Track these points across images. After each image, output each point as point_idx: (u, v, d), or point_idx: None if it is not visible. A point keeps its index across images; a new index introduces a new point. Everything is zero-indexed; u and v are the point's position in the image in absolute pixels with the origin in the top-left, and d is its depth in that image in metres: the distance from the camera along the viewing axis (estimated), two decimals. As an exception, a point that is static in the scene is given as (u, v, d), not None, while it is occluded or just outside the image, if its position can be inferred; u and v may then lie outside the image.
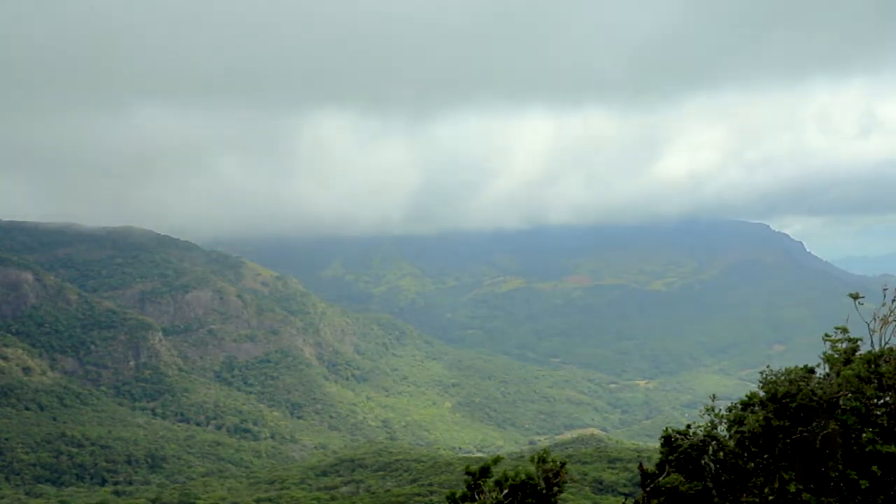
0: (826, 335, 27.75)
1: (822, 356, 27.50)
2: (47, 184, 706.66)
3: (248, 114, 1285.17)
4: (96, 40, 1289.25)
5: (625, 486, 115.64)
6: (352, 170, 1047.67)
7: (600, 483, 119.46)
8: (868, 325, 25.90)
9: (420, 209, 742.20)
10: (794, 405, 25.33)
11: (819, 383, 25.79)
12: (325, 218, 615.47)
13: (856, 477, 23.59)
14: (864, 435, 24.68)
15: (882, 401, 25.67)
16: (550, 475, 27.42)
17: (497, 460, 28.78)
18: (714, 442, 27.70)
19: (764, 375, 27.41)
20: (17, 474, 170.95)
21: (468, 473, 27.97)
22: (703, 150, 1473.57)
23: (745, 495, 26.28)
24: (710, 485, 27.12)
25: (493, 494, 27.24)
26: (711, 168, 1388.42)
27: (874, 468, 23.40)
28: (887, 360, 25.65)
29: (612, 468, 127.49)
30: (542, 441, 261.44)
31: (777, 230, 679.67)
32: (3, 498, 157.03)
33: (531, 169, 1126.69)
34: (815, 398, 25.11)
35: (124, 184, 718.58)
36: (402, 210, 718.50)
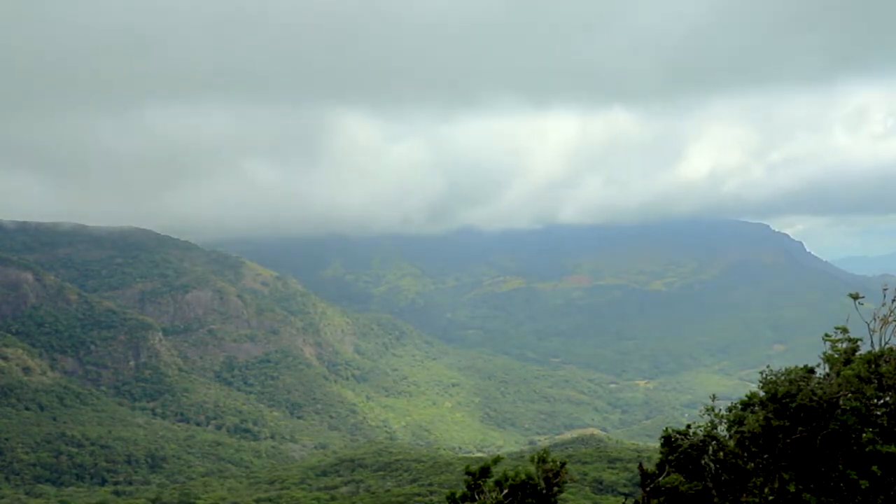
0: (826, 335, 27.71)
1: (822, 356, 27.46)
2: (56, 184, 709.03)
3: (261, 114, 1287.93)
4: (105, 41, 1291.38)
5: (625, 486, 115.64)
6: (368, 171, 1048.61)
7: (600, 483, 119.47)
8: (868, 325, 25.87)
9: (434, 210, 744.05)
10: (794, 405, 25.31)
11: (819, 383, 25.76)
12: (335, 218, 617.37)
13: (856, 477, 23.58)
14: (864, 435, 24.66)
15: (882, 401, 25.64)
16: (550, 475, 27.41)
17: (497, 460, 28.76)
18: (714, 442, 27.68)
19: (764, 375, 27.38)
20: (17, 474, 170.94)
21: (468, 473, 27.95)
22: (723, 151, 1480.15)
23: (745, 495, 26.28)
24: (710, 485, 27.11)
25: (493, 494, 27.23)
26: (729, 169, 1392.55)
27: (874, 468, 23.38)
28: (887, 360, 25.62)
29: (612, 468, 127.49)
30: (542, 441, 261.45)
31: (777, 230, 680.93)
32: (3, 498, 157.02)
33: (548, 170, 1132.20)
34: (815, 398, 25.09)
35: (134, 185, 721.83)
36: (417, 211, 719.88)
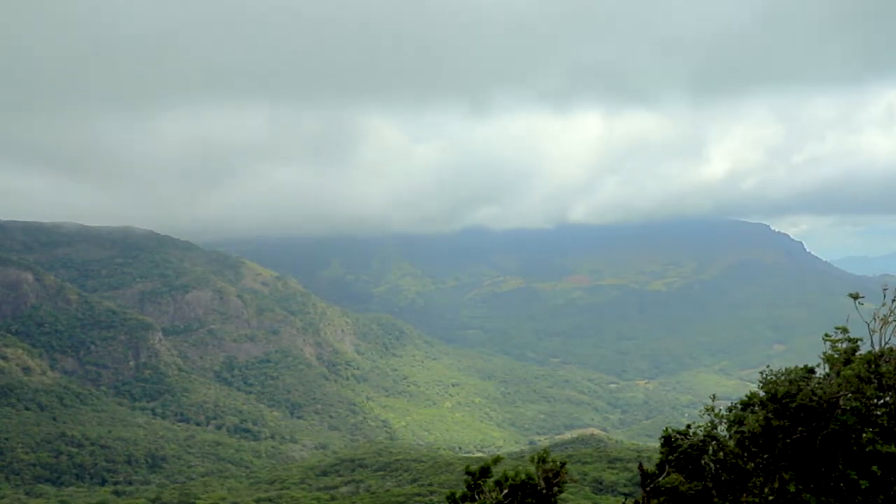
0: (826, 335, 27.68)
1: (822, 356, 27.44)
2: (74, 185, 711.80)
3: (279, 116, 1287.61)
4: (121, 41, 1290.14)
5: (625, 486, 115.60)
6: (387, 172, 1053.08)
7: (600, 483, 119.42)
8: (868, 325, 25.85)
9: (449, 211, 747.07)
10: (794, 405, 25.30)
11: (819, 383, 25.75)
12: (351, 218, 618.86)
13: (856, 477, 23.57)
14: (864, 435, 24.64)
15: (882, 401, 25.61)
16: (550, 475, 27.39)
17: (497, 460, 28.74)
18: (714, 442, 27.67)
19: (764, 375, 27.37)
20: (17, 474, 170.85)
21: (468, 473, 27.93)
22: (743, 152, 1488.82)
23: (745, 495, 26.26)
24: (710, 485, 27.10)
25: (493, 494, 27.21)
26: (746, 170, 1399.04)
27: (874, 468, 23.37)
28: (887, 360, 25.61)
29: (612, 468, 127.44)
30: (542, 441, 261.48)
31: (777, 230, 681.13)
32: (3, 498, 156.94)
33: (566, 171, 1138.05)
34: (815, 398, 25.08)
35: (148, 186, 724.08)
36: (431, 212, 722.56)
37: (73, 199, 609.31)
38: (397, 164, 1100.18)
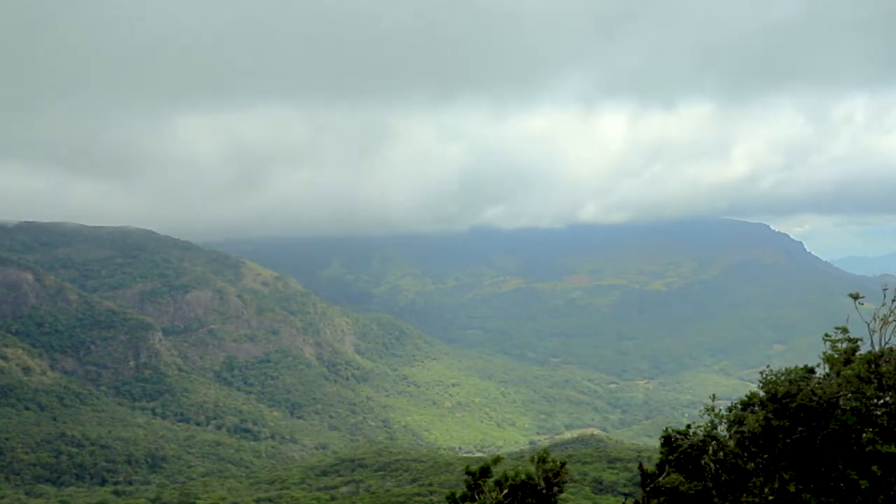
0: (826, 335, 27.64)
1: (822, 356, 27.42)
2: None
3: (292, 116, 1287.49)
4: (129, 42, 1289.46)
5: (625, 486, 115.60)
6: (411, 171, 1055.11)
7: (600, 483, 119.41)
8: (868, 325, 25.83)
9: (463, 210, 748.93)
10: (794, 405, 25.29)
11: (819, 383, 25.73)
12: (367, 220, 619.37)
13: (856, 477, 23.55)
14: (864, 435, 24.63)
15: (882, 401, 25.59)
16: (550, 475, 27.37)
17: (497, 460, 28.71)
18: (714, 442, 27.64)
19: (764, 375, 27.33)
20: (17, 474, 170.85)
21: (468, 473, 27.91)
22: (760, 153, 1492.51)
23: (745, 495, 26.24)
24: (710, 485, 27.08)
25: (493, 494, 27.20)
26: (761, 171, 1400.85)
27: (874, 468, 23.35)
28: (887, 360, 25.58)
29: (612, 468, 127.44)
30: (542, 441, 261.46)
31: (777, 230, 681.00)
32: (3, 498, 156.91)
33: (583, 171, 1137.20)
34: (815, 398, 25.06)
35: (156, 187, 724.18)
36: (447, 212, 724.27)
37: (73, 198, 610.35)
38: (421, 164, 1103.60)
